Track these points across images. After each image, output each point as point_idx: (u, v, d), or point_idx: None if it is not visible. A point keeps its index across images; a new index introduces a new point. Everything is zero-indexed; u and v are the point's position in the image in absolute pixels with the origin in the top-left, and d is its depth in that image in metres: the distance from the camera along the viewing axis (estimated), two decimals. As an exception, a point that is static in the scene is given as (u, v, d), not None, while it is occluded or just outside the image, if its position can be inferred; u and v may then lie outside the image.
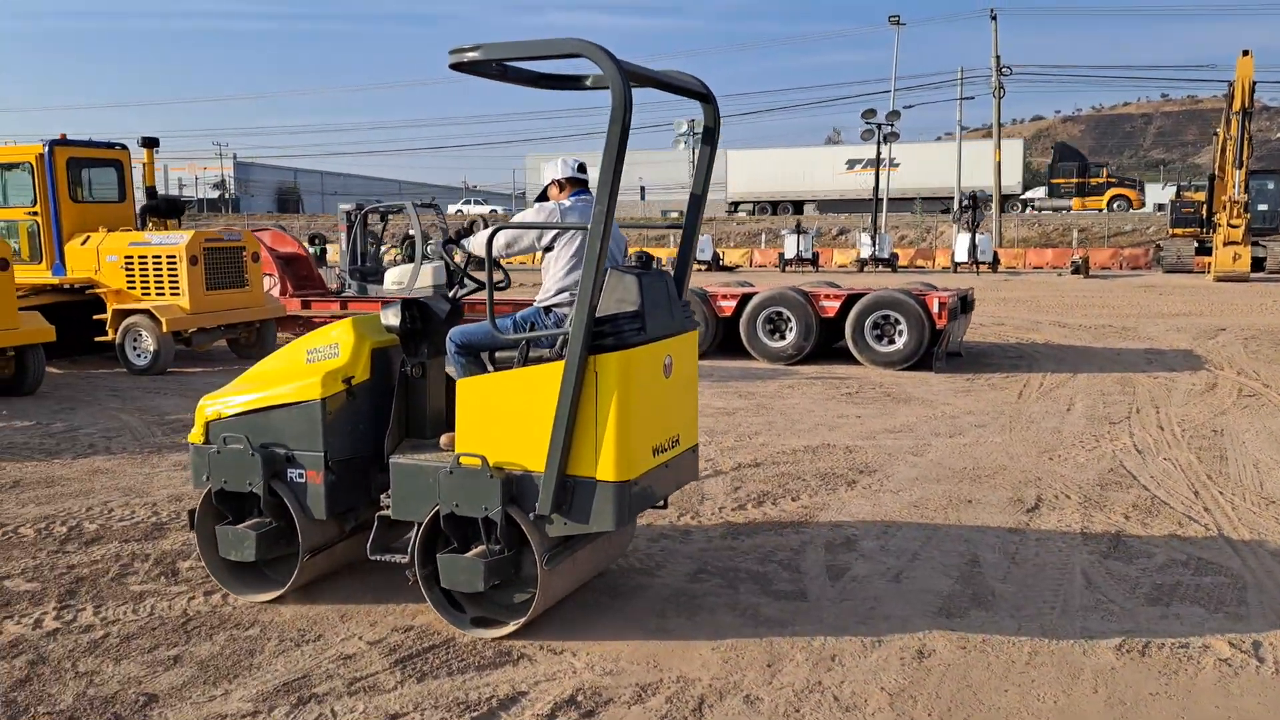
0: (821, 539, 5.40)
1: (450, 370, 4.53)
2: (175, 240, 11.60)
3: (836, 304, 11.89)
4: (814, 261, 33.82)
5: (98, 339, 11.68)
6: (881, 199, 33.68)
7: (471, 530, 4.12)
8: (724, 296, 12.43)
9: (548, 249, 4.47)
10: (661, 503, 4.41)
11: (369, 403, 4.54)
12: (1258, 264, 28.14)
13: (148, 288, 11.57)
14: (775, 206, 51.10)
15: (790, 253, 33.60)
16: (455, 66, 3.95)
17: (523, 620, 4.10)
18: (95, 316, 11.68)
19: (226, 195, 72.60)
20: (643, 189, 69.58)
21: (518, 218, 4.86)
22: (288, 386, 4.44)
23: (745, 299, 12.24)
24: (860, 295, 11.80)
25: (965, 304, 12.43)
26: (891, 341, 11.64)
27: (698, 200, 4.51)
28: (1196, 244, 31.14)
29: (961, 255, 31.03)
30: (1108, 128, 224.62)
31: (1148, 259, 34.94)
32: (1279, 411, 8.87)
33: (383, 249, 19.05)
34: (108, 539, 5.48)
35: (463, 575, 4.04)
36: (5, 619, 4.38)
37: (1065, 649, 4.02)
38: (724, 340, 12.50)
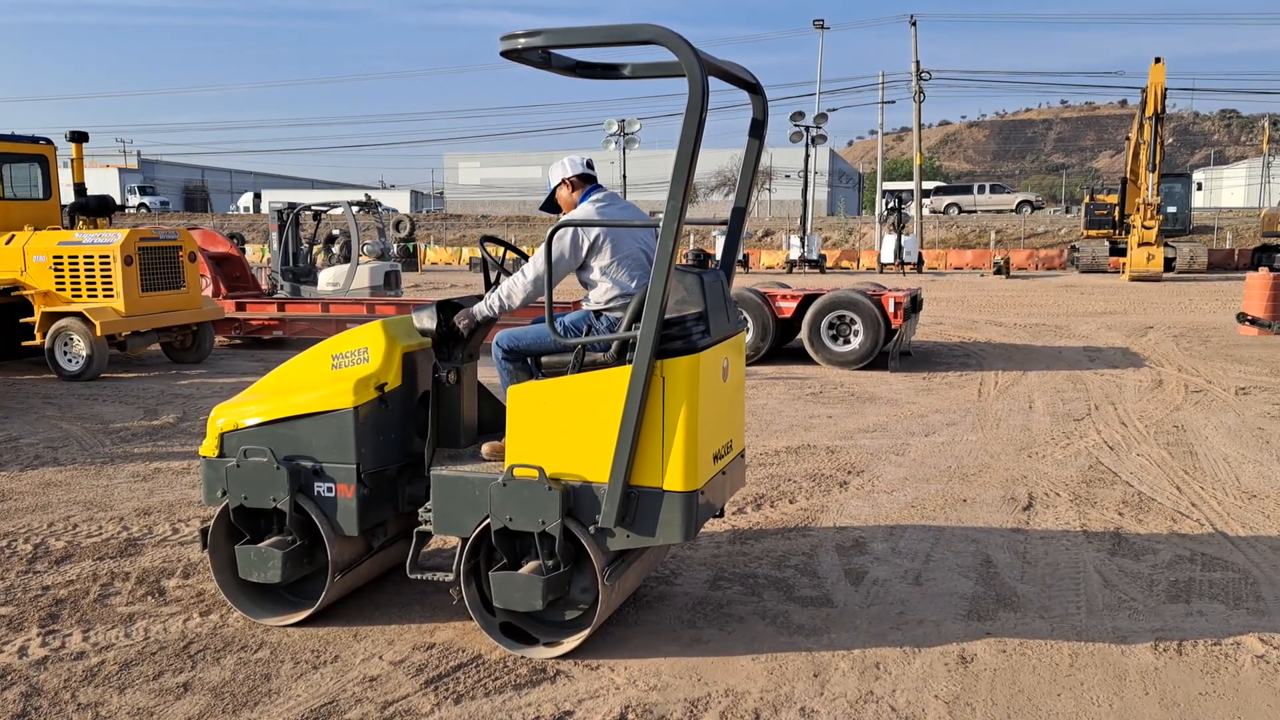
0: (830, 542, 5.34)
1: (491, 377, 4.31)
2: (108, 240, 11.03)
3: (793, 304, 11.91)
4: (744, 263, 34.04)
5: (25, 344, 11.04)
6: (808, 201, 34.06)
7: (521, 545, 3.91)
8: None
9: (590, 252, 4.22)
10: (719, 511, 4.23)
11: (399, 411, 4.29)
12: (1168, 264, 29.29)
13: (79, 289, 10.98)
14: None
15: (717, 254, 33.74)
16: (507, 54, 3.74)
17: (581, 637, 3.89)
18: (21, 320, 11.04)
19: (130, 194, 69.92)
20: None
21: (566, 217, 4.50)
22: (314, 395, 4.16)
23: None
24: (816, 295, 11.84)
25: (915, 304, 12.58)
26: (847, 341, 11.71)
27: (744, 197, 4.35)
28: (1110, 245, 32.29)
29: (888, 256, 31.61)
30: (1011, 133, 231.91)
31: (1063, 260, 36.07)
32: (1229, 407, 9.15)
33: (314, 249, 18.58)
34: (79, 557, 5.12)
35: (518, 593, 3.82)
36: (-16, 649, 4.04)
37: (1103, 650, 4.02)
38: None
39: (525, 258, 4.48)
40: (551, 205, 4.59)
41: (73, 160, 12.26)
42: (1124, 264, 29.26)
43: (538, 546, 3.86)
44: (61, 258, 11.02)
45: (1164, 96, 27.22)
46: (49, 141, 12.04)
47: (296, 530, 4.19)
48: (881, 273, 31.34)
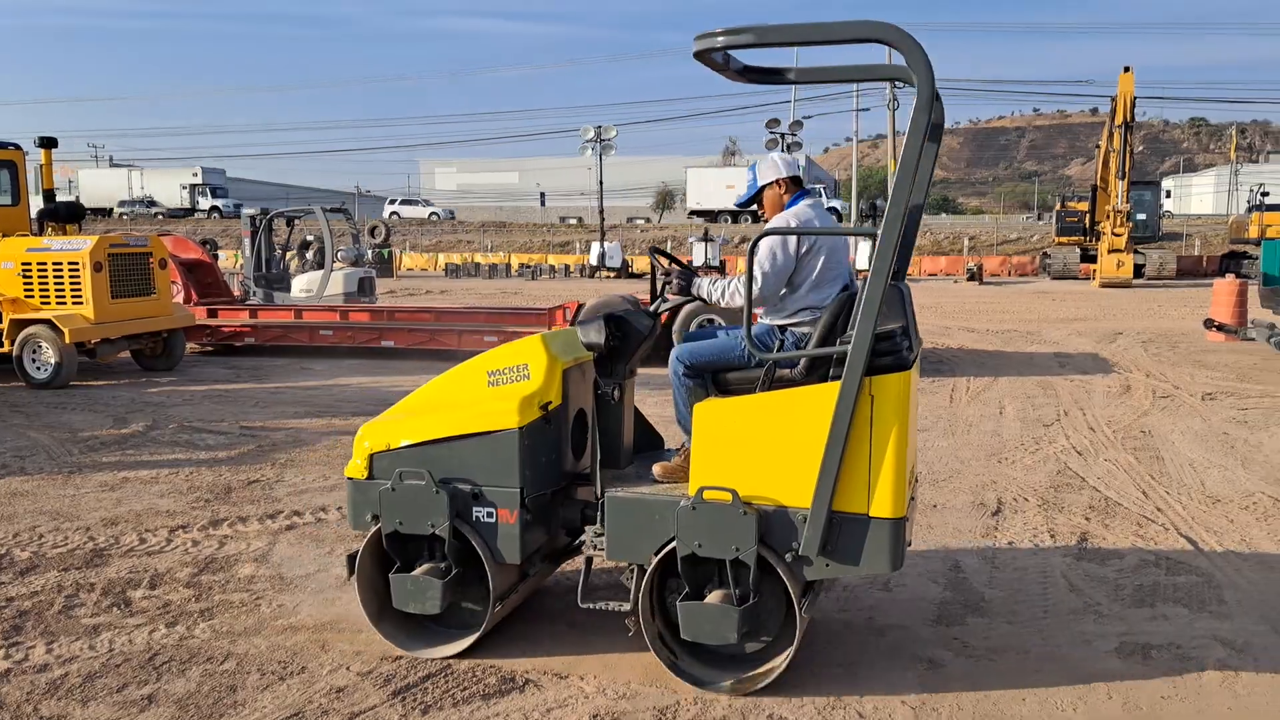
0: (801, 549, 5.35)
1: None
2: (78, 246, 10.93)
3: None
4: (721, 269, 34.11)
5: (-9, 351, 10.91)
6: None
7: (703, 574, 3.71)
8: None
9: (801, 260, 4.00)
10: (908, 542, 3.84)
11: (558, 431, 4.11)
12: (1138, 271, 29.63)
13: (48, 296, 10.88)
14: (716, 215, 52.30)
15: (698, 260, 33.80)
16: (701, 54, 3.51)
17: (776, 670, 3.66)
18: (-12, 327, 10.90)
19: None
20: (543, 195, 69.28)
21: (777, 222, 4.13)
22: (472, 414, 3.93)
23: (679, 306, 12.20)
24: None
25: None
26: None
27: (918, 207, 4.07)
28: (1081, 252, 32.64)
29: (863, 262, 31.72)
30: (984, 140, 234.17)
31: (1034, 266, 36.43)
32: (1195, 412, 9.27)
33: (288, 255, 18.46)
34: (44, 567, 5.06)
35: (709, 624, 3.59)
36: (-55, 662, 3.99)
37: (1069, 655, 4.05)
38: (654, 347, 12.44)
39: (685, 267, 4.26)
40: (752, 203, 4.32)
41: (41, 166, 12.13)
42: (1095, 270, 29.60)
43: (729, 575, 3.63)
44: (30, 264, 10.91)
45: (1133, 105, 27.58)
46: (17, 146, 11.91)
47: (454, 557, 3.97)
48: (857, 278, 31.48)
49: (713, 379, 4.04)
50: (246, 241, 16.91)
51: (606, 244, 36.98)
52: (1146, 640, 4.17)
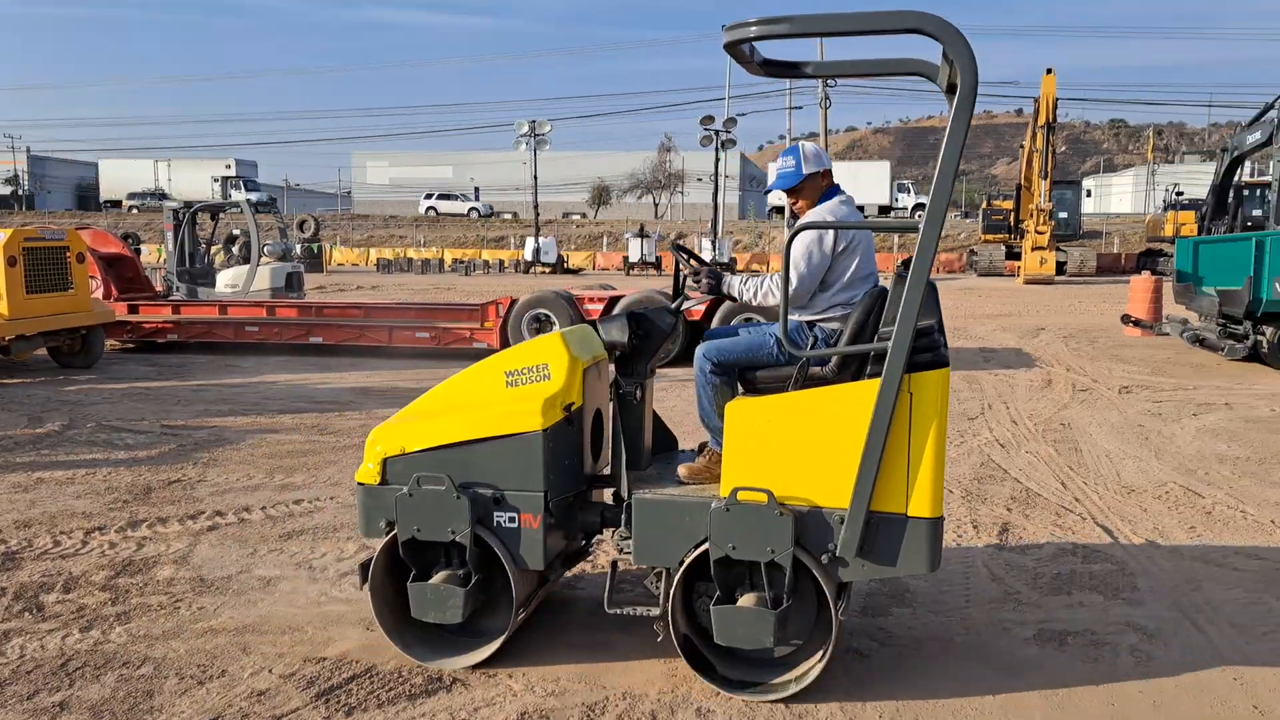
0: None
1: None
2: (-12, 239, 10.52)
3: (703, 306, 12.02)
4: (657, 265, 34.22)
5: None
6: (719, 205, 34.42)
7: (734, 577, 3.64)
8: (590, 300, 12.39)
9: (838, 256, 3.91)
10: None
11: (580, 432, 4.01)
12: (1060, 268, 30.45)
13: (-44, 291, 10.44)
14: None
15: (634, 256, 33.92)
16: (731, 45, 3.42)
17: (811, 673, 3.58)
18: (-108, 323, 10.46)
19: (20, 192, 67.01)
20: (476, 189, 68.65)
21: (813, 217, 3.99)
22: (493, 415, 3.80)
23: (613, 301, 12.24)
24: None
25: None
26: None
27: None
28: (1006, 249, 33.42)
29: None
30: (914, 139, 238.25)
31: (962, 263, 37.18)
32: (1112, 405, 9.55)
33: (212, 250, 18.04)
34: (-50, 574, 4.87)
35: (745, 629, 3.51)
36: None
37: (990, 643, 4.15)
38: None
39: (705, 263, 4.14)
40: (798, 194, 4.08)
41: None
42: (1019, 268, 30.32)
43: (764, 577, 3.56)
44: (-63, 258, 10.48)
45: (1055, 106, 28.31)
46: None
47: (474, 564, 3.83)
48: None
49: (739, 376, 3.97)
50: (169, 236, 16.48)
51: (542, 239, 36.84)
52: (1063, 627, 4.29)
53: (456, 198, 61.22)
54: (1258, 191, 28.18)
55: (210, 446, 7.66)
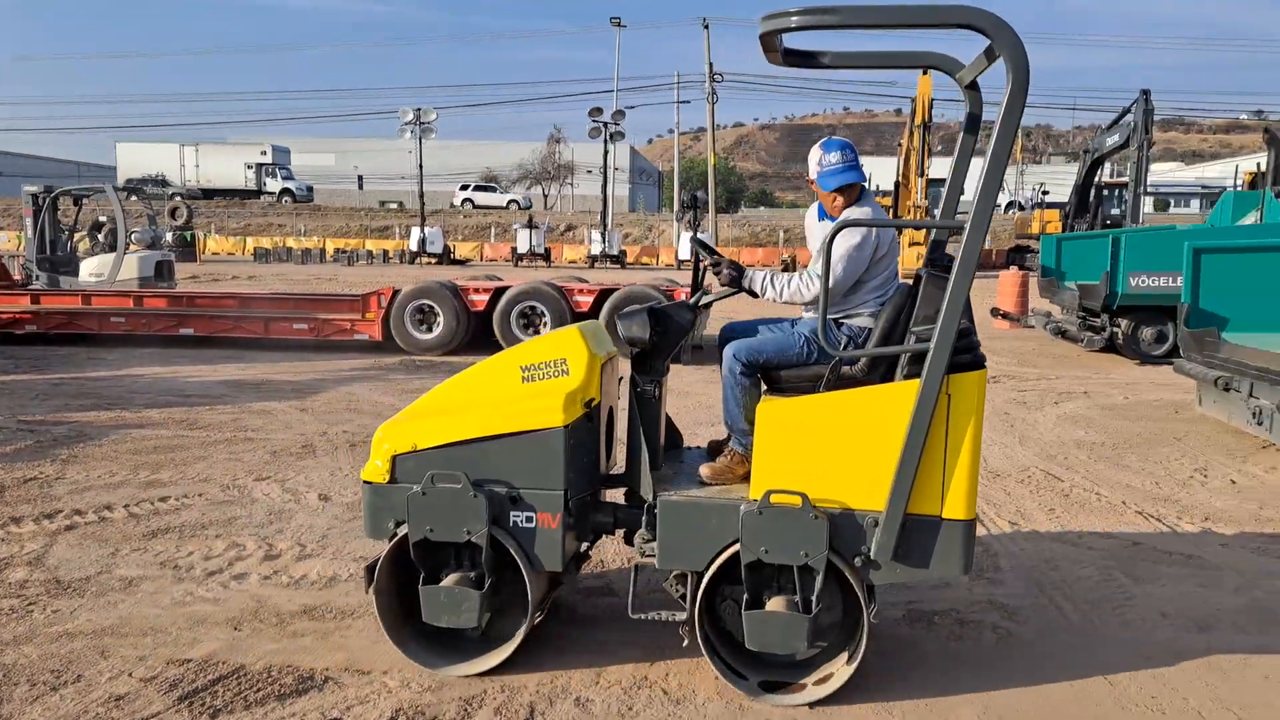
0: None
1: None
2: None
3: (590, 298, 12.03)
4: (546, 256, 34.05)
5: None
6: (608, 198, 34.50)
7: (762, 580, 3.56)
8: (476, 290, 12.23)
9: (875, 258, 3.81)
10: None
11: (597, 430, 3.87)
12: (936, 263, 31.49)
13: None
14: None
15: (523, 247, 33.67)
16: (766, 35, 3.30)
17: (841, 677, 3.51)
18: None
19: None
20: (360, 178, 67.07)
21: (850, 215, 3.85)
22: (510, 411, 3.65)
23: (499, 292, 12.11)
24: (613, 290, 12.00)
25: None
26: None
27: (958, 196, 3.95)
28: (886, 244, 34.40)
29: (685, 253, 32.43)
30: (799, 136, 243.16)
31: (844, 257, 38.11)
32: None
33: (75, 236, 17.15)
34: None
35: (777, 634, 3.45)
36: None
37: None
38: (475, 335, 12.31)
39: (723, 259, 3.96)
40: (837, 194, 3.91)
41: None
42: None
43: (794, 581, 3.50)
44: None
45: (931, 106, 29.25)
46: None
47: (488, 566, 3.66)
48: (680, 269, 32.11)
49: (767, 376, 3.88)
50: (28, 221, 15.59)
51: (427, 229, 36.23)
52: (931, 608, 4.45)
53: (494, 189, 57.81)
54: (1116, 191, 29.76)
55: (70, 443, 7.28)
